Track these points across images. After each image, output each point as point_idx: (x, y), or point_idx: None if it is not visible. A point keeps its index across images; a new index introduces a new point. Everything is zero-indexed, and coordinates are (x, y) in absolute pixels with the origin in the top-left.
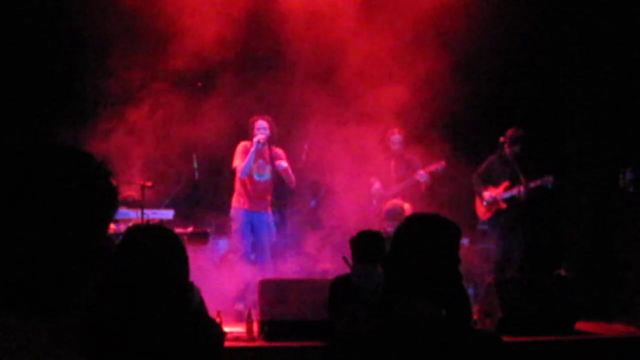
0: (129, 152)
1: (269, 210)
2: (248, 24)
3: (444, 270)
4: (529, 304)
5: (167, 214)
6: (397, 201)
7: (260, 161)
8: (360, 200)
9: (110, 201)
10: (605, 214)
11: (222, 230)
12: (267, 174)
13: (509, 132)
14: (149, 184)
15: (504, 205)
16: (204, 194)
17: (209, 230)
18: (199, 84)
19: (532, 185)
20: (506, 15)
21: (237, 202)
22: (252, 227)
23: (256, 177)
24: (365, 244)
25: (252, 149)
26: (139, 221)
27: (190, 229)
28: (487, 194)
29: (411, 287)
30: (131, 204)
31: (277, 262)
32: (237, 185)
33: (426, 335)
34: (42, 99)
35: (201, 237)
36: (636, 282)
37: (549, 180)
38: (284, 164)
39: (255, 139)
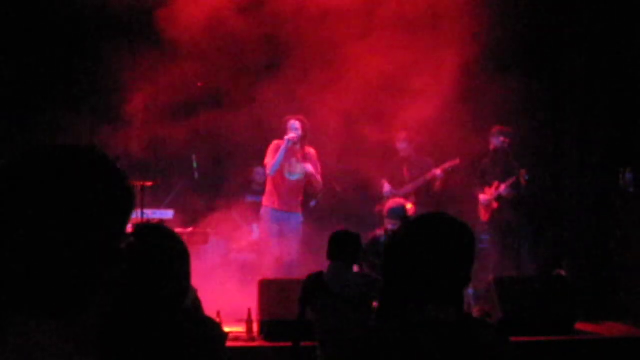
0: (128, 151)
1: (299, 211)
2: (249, 21)
3: (458, 272)
4: (529, 304)
5: (167, 214)
6: (399, 200)
7: (293, 160)
8: (366, 200)
9: (128, 203)
10: (605, 214)
11: (222, 230)
12: (298, 174)
13: (494, 128)
14: (149, 184)
15: (495, 205)
16: (204, 194)
17: (209, 230)
18: (199, 84)
19: (507, 183)
20: (504, 17)
21: (268, 201)
22: (280, 227)
23: (287, 177)
24: (340, 243)
25: (283, 147)
26: (139, 221)
27: (190, 229)
28: (482, 196)
29: (424, 290)
30: None
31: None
32: (269, 184)
33: (441, 338)
34: (40, 97)
35: (201, 237)
36: (636, 282)
37: (522, 174)
38: (309, 167)
39: (286, 137)
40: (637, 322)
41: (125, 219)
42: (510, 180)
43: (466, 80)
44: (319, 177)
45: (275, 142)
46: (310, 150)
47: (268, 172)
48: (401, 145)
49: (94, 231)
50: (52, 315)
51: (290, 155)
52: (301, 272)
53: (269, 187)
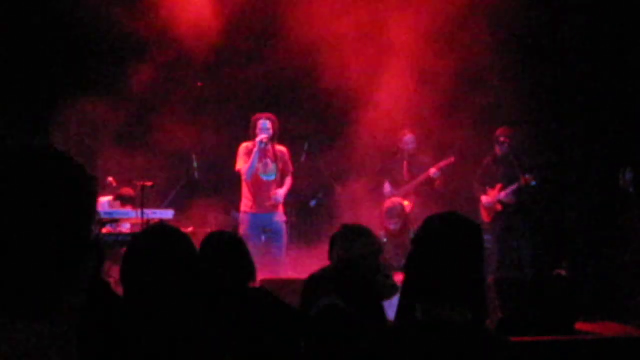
0: (129, 151)
1: (280, 210)
2: (250, 20)
3: (471, 272)
4: (529, 304)
5: (167, 214)
6: (395, 199)
7: (266, 160)
8: (366, 200)
9: (90, 198)
10: (605, 214)
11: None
12: (273, 173)
13: (497, 131)
14: (149, 184)
15: (499, 207)
16: (204, 194)
17: (209, 230)
18: (199, 84)
19: (509, 189)
20: (506, 18)
21: (245, 206)
22: (264, 230)
23: (263, 177)
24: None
25: (256, 150)
26: (139, 221)
27: (190, 229)
28: (485, 198)
29: (438, 291)
30: (127, 200)
31: (291, 262)
32: (244, 188)
33: (455, 341)
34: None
35: (201, 237)
36: (636, 282)
37: (529, 179)
38: (279, 198)
39: (257, 139)
40: (637, 322)
41: (89, 215)
42: (513, 187)
43: (467, 80)
44: (289, 184)
45: (244, 145)
46: (282, 149)
47: (245, 177)
48: (407, 139)
49: (57, 230)
50: (23, 316)
51: (262, 156)
52: (301, 272)
53: (244, 192)
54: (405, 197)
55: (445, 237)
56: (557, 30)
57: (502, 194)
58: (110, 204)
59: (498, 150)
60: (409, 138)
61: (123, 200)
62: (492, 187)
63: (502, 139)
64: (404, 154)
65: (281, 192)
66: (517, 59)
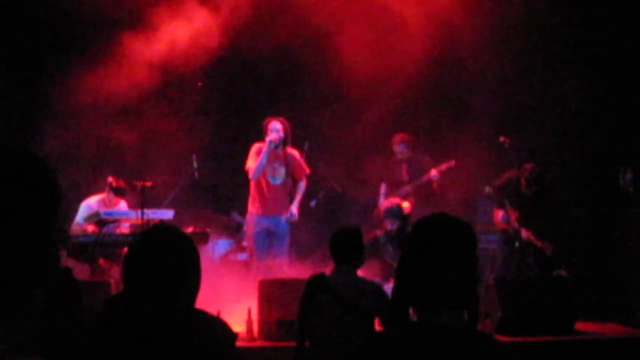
0: (128, 151)
1: (286, 213)
2: (252, 20)
3: (464, 273)
4: (529, 304)
5: (167, 214)
6: (394, 199)
7: (275, 164)
8: (364, 200)
9: (52, 202)
10: (605, 214)
11: (222, 230)
12: (281, 177)
13: (528, 167)
14: (149, 184)
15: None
16: (204, 194)
17: (209, 230)
18: (199, 83)
19: (532, 233)
20: (505, 15)
21: (252, 207)
22: (268, 232)
23: (271, 180)
24: (342, 244)
25: (265, 150)
26: (139, 221)
27: (190, 229)
28: (501, 214)
29: (431, 294)
30: (121, 191)
31: (291, 262)
32: (252, 189)
33: (451, 343)
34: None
35: (201, 237)
36: (636, 282)
37: (546, 246)
38: (295, 217)
39: (267, 139)
40: (637, 323)
41: (52, 216)
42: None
43: (467, 79)
44: (302, 190)
45: (256, 145)
46: (293, 152)
47: (251, 176)
48: (398, 148)
49: (20, 230)
50: None
51: (272, 159)
52: (299, 273)
53: (252, 193)
54: (404, 197)
55: (435, 239)
56: (557, 29)
57: (524, 234)
58: (104, 200)
59: (526, 188)
60: (398, 146)
61: (117, 191)
62: (512, 208)
63: (532, 178)
64: (401, 157)
65: (295, 210)
66: (518, 57)
